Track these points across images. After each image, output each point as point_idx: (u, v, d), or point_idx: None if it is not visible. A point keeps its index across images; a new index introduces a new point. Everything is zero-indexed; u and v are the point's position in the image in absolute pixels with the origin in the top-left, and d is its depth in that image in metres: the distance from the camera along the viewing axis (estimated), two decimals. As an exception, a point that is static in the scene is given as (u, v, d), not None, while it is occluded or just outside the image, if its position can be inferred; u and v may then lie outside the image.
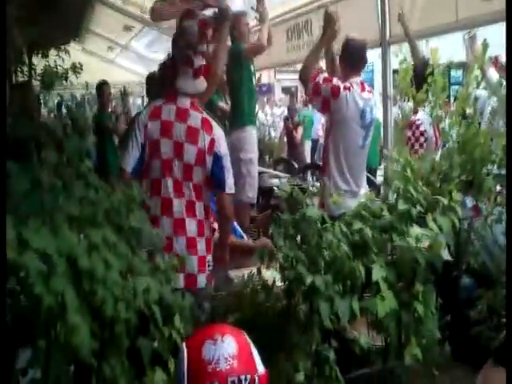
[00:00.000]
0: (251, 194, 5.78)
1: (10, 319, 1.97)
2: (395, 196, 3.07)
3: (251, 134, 5.80)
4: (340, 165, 4.19)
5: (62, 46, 8.56)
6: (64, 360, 1.90)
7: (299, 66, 4.69)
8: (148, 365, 2.07)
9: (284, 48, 7.74)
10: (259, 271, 2.72)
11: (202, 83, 3.46)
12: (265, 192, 7.14)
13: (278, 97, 17.44)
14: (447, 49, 4.75)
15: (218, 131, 3.38)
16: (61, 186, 1.70)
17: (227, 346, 1.06)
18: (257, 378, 1.05)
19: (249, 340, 1.12)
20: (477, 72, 3.49)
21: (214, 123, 3.38)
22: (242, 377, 1.02)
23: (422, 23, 4.84)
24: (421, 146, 4.62)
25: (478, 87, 3.53)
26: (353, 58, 4.29)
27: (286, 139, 11.30)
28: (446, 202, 2.96)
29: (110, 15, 10.27)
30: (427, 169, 3.29)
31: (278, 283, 2.70)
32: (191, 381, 1.04)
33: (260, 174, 6.85)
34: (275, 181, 7.47)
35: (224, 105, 6.00)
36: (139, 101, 19.94)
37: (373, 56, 4.76)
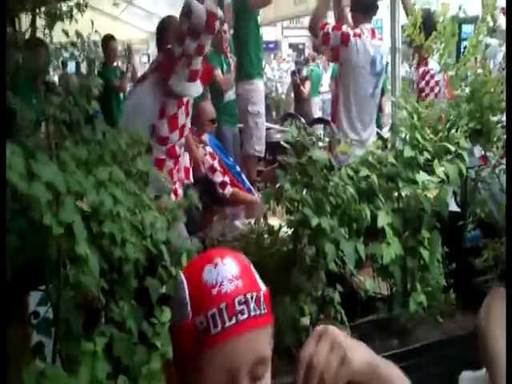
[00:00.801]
0: (259, 147, 5.84)
1: (20, 262, 2.01)
2: (402, 144, 3.06)
3: (258, 87, 5.83)
4: (349, 114, 4.21)
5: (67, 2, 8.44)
6: (74, 298, 1.93)
7: (306, 22, 4.66)
8: (156, 305, 2.11)
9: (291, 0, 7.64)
10: (265, 217, 2.74)
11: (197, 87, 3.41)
12: (271, 147, 7.14)
13: (285, 53, 17.25)
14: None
15: None
16: (68, 122, 1.70)
17: (229, 267, 1.03)
18: (262, 294, 1.03)
19: (247, 260, 1.11)
20: (487, 19, 3.43)
21: None
22: (248, 295, 1.00)
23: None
24: (436, 96, 4.61)
25: (488, 35, 3.48)
26: (365, 3, 4.25)
27: (293, 94, 11.20)
28: (453, 148, 2.96)
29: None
30: (435, 117, 3.27)
31: (284, 229, 2.73)
32: (195, 308, 1.00)
33: (267, 129, 6.85)
34: (282, 136, 7.46)
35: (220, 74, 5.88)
36: (145, 58, 19.77)
37: (381, 11, 4.68)
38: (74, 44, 1.70)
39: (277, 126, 8.16)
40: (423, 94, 4.61)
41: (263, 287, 1.07)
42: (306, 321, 2.67)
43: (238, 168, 5.15)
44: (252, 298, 1.01)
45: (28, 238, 1.86)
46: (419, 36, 3.49)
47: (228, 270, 1.03)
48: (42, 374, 1.68)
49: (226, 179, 4.80)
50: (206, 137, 4.93)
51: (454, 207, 3.49)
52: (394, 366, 1.09)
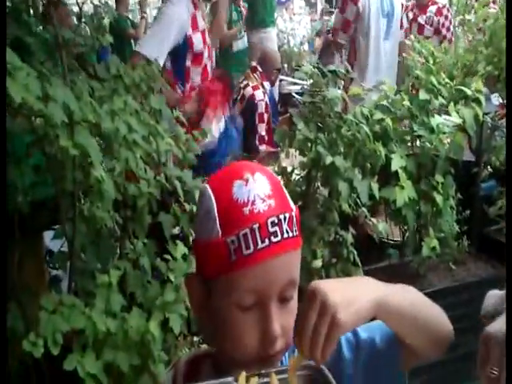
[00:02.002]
0: None
1: (36, 196, 2.03)
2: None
3: (272, 35, 5.84)
4: (365, 60, 4.18)
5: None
6: (88, 232, 1.95)
7: None
8: (169, 239, 2.12)
9: None
10: (278, 158, 2.73)
11: None
12: (283, 99, 7.09)
13: (297, 6, 16.95)
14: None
15: None
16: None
17: (261, 185, 0.98)
18: (294, 215, 0.99)
19: (276, 177, 1.07)
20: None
21: None
22: (281, 216, 0.96)
23: None
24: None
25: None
26: None
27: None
28: (469, 92, 2.91)
29: None
30: (451, 61, 3.21)
31: (297, 171, 2.71)
32: (226, 226, 0.96)
33: (279, 80, 6.82)
34: (293, 87, 7.41)
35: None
36: (155, 12, 19.52)
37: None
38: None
39: (289, 78, 8.08)
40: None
41: (293, 207, 1.02)
42: (318, 263, 2.68)
43: None
44: (285, 219, 0.97)
45: (43, 170, 1.88)
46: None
47: (260, 188, 0.98)
48: (59, 302, 1.71)
49: (266, 137, 4.82)
50: (268, 86, 4.98)
51: (469, 157, 3.47)
52: (411, 291, 1.07)
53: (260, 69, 4.92)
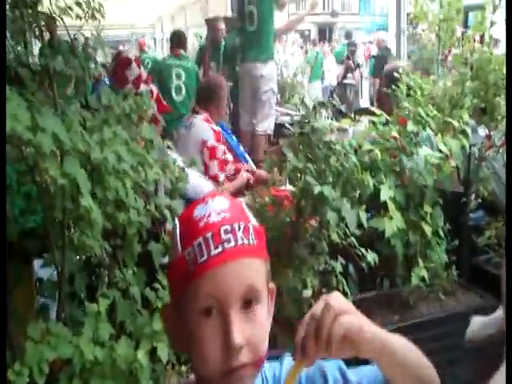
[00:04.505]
0: (270, 125, 6.14)
1: (26, 224, 2.05)
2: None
3: (272, 66, 6.13)
4: None
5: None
6: (78, 260, 1.96)
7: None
8: (159, 268, 2.13)
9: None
10: (268, 187, 2.75)
11: None
12: (276, 129, 7.15)
13: (291, 38, 17.23)
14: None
15: None
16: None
17: (219, 203, 1.03)
18: (251, 226, 1.02)
19: (243, 203, 1.11)
20: (492, -5, 3.41)
21: None
22: (235, 225, 0.99)
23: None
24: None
25: (494, 12, 3.46)
26: None
27: (299, 78, 11.07)
28: (456, 124, 2.96)
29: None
30: (438, 93, 3.28)
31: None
32: (185, 241, 1.00)
33: (274, 112, 6.94)
34: (286, 118, 7.47)
35: None
36: (151, 43, 19.74)
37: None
38: (78, 4, 1.69)
39: (282, 109, 8.16)
40: None
41: (254, 221, 1.06)
42: (308, 293, 2.68)
43: (241, 148, 5.18)
44: (239, 227, 1.00)
45: (33, 199, 1.90)
46: (423, 13, 3.48)
47: (217, 204, 1.03)
48: (46, 331, 1.71)
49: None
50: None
51: (457, 187, 3.51)
52: (403, 339, 1.07)
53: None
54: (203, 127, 4.27)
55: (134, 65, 3.16)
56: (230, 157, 4.56)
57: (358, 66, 10.37)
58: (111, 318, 2.06)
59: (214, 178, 4.23)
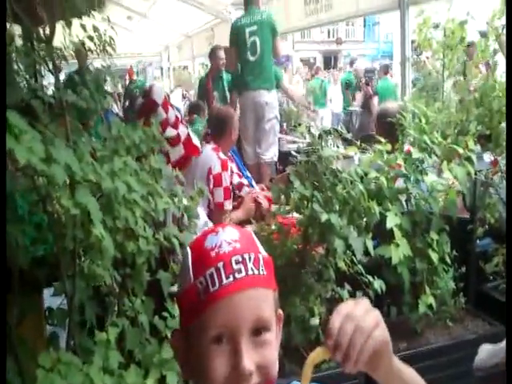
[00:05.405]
0: (274, 153, 6.34)
1: (37, 253, 2.07)
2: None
3: (275, 95, 6.37)
4: None
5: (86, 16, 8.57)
6: (88, 289, 1.98)
7: (317, 36, 4.82)
8: (168, 297, 2.15)
9: (302, 12, 7.74)
10: (275, 215, 2.77)
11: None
12: (282, 157, 7.20)
13: (296, 66, 17.38)
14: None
15: None
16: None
17: (229, 232, 1.06)
18: (261, 257, 1.05)
19: (252, 233, 1.14)
20: (497, 23, 3.47)
21: None
22: (246, 255, 1.03)
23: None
24: None
25: (497, 40, 3.51)
26: None
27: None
28: (461, 151, 2.99)
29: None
30: (443, 120, 3.31)
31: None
32: (196, 271, 1.04)
33: (278, 139, 7.01)
34: (292, 146, 7.54)
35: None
36: (157, 72, 19.93)
37: (392, 26, 4.76)
38: (90, 38, 1.74)
39: (288, 137, 8.23)
40: None
41: (264, 253, 1.09)
42: (315, 321, 2.69)
43: (248, 174, 5.26)
44: (250, 258, 1.04)
45: (45, 229, 1.93)
46: (427, 42, 3.53)
47: (228, 234, 1.07)
48: (57, 360, 1.72)
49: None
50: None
51: (464, 214, 3.52)
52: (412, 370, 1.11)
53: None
54: (210, 156, 4.32)
55: (160, 110, 3.17)
56: (243, 180, 4.66)
57: (376, 93, 10.27)
58: (120, 347, 2.07)
59: (220, 206, 4.25)
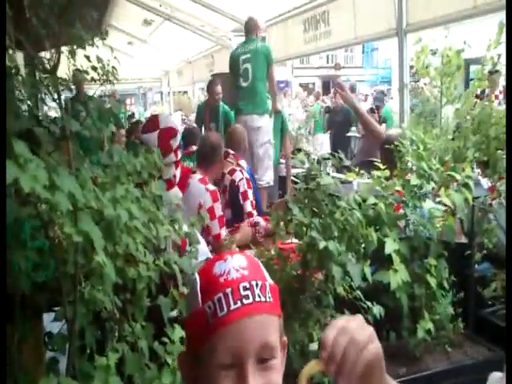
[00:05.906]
0: (270, 177, 6.34)
1: (39, 278, 2.09)
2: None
3: (268, 120, 6.39)
4: None
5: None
6: (88, 314, 1.99)
7: (316, 62, 4.89)
8: (167, 322, 2.16)
9: (301, 39, 7.82)
10: (274, 241, 2.79)
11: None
12: (281, 182, 7.24)
13: (295, 91, 17.51)
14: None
15: None
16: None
17: (238, 260, 1.10)
18: (267, 284, 1.08)
19: (258, 260, 1.18)
20: (493, 52, 3.52)
21: None
22: (253, 282, 1.06)
23: (439, 10, 4.86)
24: None
25: (494, 67, 3.56)
26: None
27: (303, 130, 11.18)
28: (459, 177, 3.02)
29: (130, 9, 10.35)
30: (441, 147, 3.35)
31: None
32: (204, 296, 1.07)
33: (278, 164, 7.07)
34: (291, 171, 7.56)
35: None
36: (157, 96, 20.05)
37: (390, 52, 4.82)
38: (94, 68, 1.77)
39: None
40: None
41: (270, 281, 1.13)
42: (314, 346, 2.69)
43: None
44: (257, 285, 1.07)
45: (47, 254, 1.95)
46: (425, 70, 3.58)
47: (236, 262, 1.11)
48: (57, 385, 1.73)
49: (254, 212, 4.94)
50: (244, 163, 5.15)
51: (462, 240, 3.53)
52: None
53: (231, 151, 5.09)
54: (199, 190, 4.30)
55: (178, 135, 3.27)
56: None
57: (384, 120, 10.10)
58: (120, 372, 2.08)
59: (218, 237, 4.26)
